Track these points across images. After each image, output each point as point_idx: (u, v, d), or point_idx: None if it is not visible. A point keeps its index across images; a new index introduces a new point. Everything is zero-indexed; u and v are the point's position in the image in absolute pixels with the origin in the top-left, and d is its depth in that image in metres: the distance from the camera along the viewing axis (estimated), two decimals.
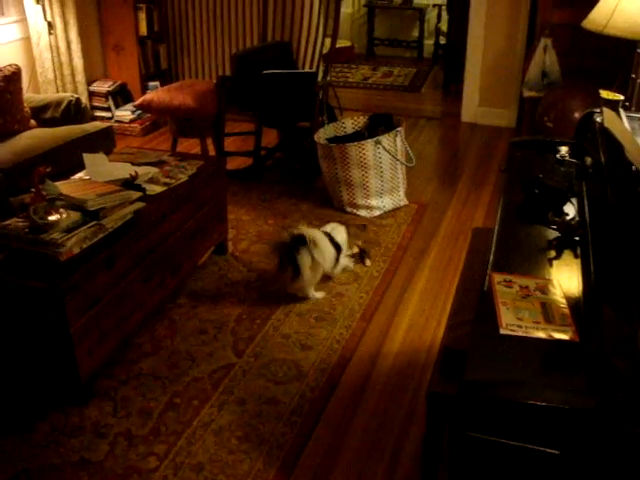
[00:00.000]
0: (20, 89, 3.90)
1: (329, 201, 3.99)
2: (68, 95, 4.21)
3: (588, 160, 2.10)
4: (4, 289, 2.21)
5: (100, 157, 3.02)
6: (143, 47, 5.35)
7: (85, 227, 2.35)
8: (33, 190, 2.38)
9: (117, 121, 5.25)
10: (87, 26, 5.12)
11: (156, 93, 4.34)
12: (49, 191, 2.42)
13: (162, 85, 5.21)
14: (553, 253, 1.65)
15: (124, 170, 2.84)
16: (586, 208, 1.81)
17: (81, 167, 2.92)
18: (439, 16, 7.68)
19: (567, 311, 1.40)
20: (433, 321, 2.86)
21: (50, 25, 4.70)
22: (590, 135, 2.23)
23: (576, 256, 1.62)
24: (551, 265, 1.61)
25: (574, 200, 1.89)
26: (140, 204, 2.61)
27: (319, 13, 4.68)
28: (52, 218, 2.29)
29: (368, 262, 3.32)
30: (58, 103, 4.10)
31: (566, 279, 1.53)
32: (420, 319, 2.88)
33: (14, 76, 3.84)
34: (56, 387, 2.38)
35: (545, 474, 1.21)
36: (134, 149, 3.59)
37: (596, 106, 2.26)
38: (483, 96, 5.54)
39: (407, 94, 6.76)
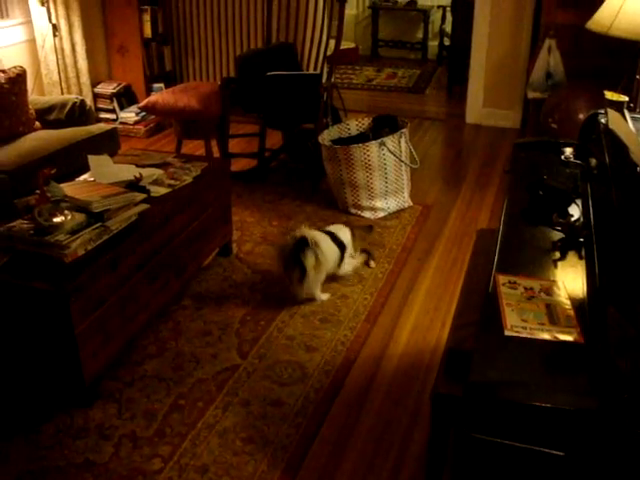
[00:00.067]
0: (25, 91, 3.92)
1: (333, 203, 3.99)
2: (73, 97, 4.21)
3: (593, 161, 2.10)
4: (9, 291, 2.21)
5: (105, 159, 3.02)
6: (147, 49, 5.36)
7: (90, 229, 2.35)
8: (38, 192, 2.39)
9: (122, 123, 5.25)
10: (92, 28, 5.14)
11: (161, 95, 4.35)
12: (54, 193, 2.43)
13: (166, 87, 5.22)
14: (558, 254, 1.65)
15: (129, 172, 2.84)
16: (591, 209, 1.81)
17: (86, 169, 2.93)
18: (443, 17, 7.66)
19: (572, 313, 1.39)
20: (438, 322, 2.86)
21: (55, 27, 4.72)
22: (595, 136, 2.22)
23: (581, 257, 1.62)
24: (556, 266, 1.60)
25: (579, 201, 1.89)
26: (144, 206, 2.61)
27: (323, 15, 4.69)
28: (57, 220, 2.29)
29: (372, 264, 3.32)
30: (63, 105, 4.10)
31: (571, 280, 1.52)
32: (424, 320, 2.88)
33: (19, 78, 3.85)
34: (61, 389, 2.39)
35: (550, 476, 1.20)
36: (139, 151, 3.60)
37: (601, 107, 2.26)
38: (487, 97, 5.53)
39: (411, 95, 6.76)
